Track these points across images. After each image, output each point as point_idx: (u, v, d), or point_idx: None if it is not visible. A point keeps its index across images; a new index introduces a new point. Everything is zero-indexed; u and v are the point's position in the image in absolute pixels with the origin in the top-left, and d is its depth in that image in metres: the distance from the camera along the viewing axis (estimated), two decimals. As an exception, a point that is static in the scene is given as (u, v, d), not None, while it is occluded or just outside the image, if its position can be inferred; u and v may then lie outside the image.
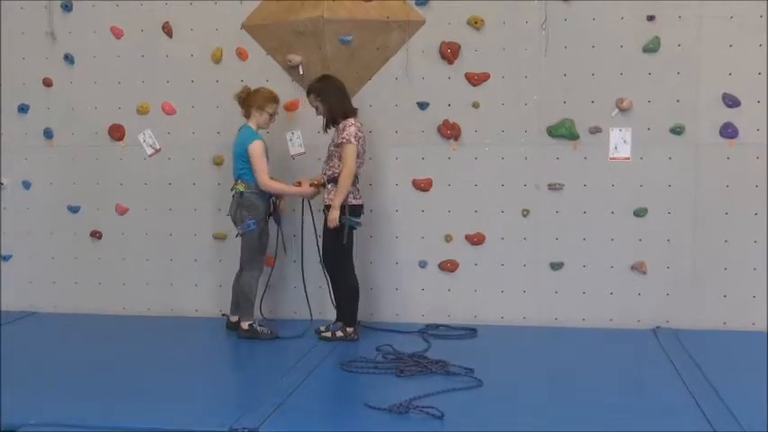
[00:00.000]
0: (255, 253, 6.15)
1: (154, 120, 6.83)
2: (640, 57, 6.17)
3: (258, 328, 6.15)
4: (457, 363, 5.34)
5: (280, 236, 6.34)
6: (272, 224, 6.27)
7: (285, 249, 6.43)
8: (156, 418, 4.50)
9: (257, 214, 6.07)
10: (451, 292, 6.55)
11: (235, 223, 6.14)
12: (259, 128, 6.14)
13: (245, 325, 6.14)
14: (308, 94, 6.08)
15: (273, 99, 6.14)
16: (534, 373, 5.40)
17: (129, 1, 6.73)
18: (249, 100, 6.10)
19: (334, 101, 5.99)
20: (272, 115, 6.15)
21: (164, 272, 6.92)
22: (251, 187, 6.05)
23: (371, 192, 6.43)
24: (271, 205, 6.20)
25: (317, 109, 6.08)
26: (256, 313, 6.29)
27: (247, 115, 6.13)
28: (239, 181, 6.08)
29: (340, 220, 5.86)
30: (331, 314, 6.32)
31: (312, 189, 6.16)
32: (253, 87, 6.17)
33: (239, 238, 6.16)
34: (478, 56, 6.35)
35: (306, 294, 6.49)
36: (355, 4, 6.30)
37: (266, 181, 6.02)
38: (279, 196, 6.25)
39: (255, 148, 5.99)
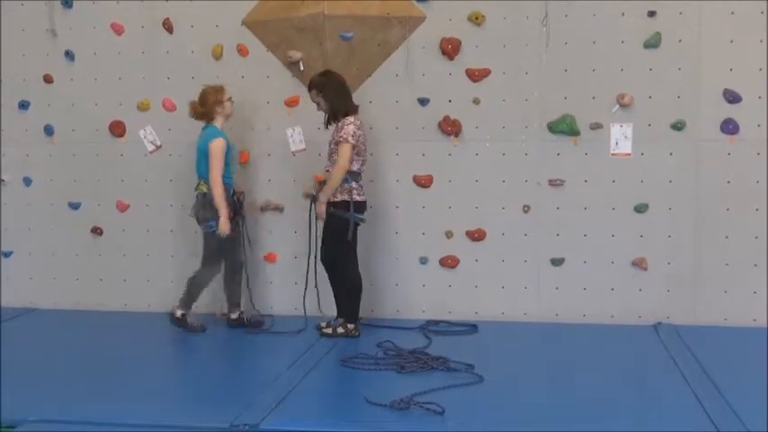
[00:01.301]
0: (216, 252, 6.18)
1: (154, 116, 6.83)
2: (641, 52, 6.16)
3: (188, 320, 6.20)
4: (458, 359, 5.34)
5: (244, 229, 6.30)
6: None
7: (250, 243, 6.40)
8: (156, 414, 4.51)
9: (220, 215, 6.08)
10: (452, 289, 6.55)
11: (198, 223, 6.18)
12: (227, 118, 6.17)
13: (178, 313, 6.19)
14: (310, 89, 6.06)
15: (220, 87, 6.15)
16: (535, 369, 5.40)
17: (129, -2, 6.75)
18: (206, 104, 6.10)
19: (335, 97, 5.97)
20: (230, 100, 6.16)
21: (164, 269, 6.92)
22: None
23: (372, 188, 6.42)
24: (235, 203, 6.18)
25: (318, 104, 6.06)
26: (249, 307, 6.37)
27: (212, 118, 6.14)
28: (202, 182, 6.11)
29: (342, 217, 5.86)
30: (332, 310, 6.31)
31: (228, 227, 6.02)
32: (194, 98, 6.16)
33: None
34: (479, 52, 6.34)
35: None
36: (355, 1, 6.29)
37: (217, 179, 6.00)
38: (241, 192, 6.28)
39: (217, 145, 6.00)
